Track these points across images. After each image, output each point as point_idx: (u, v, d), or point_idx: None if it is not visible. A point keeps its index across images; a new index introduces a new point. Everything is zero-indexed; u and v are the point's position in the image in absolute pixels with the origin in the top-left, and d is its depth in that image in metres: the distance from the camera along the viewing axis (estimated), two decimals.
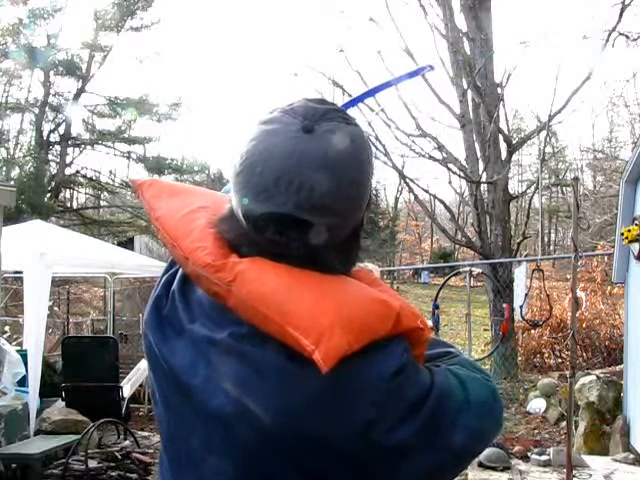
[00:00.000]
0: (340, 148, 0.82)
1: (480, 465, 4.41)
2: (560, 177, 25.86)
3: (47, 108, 22.18)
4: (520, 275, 7.13)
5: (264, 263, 0.82)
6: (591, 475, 4.22)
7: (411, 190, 11.71)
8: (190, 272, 0.88)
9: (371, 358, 0.81)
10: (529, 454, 4.63)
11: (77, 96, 22.44)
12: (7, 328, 9.15)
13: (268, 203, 0.80)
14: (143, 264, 8.69)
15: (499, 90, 10.25)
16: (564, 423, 6.14)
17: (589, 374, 6.34)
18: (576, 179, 3.76)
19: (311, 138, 0.81)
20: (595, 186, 25.87)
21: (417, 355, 0.87)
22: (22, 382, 5.50)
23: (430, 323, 12.88)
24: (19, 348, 6.39)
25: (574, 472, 3.76)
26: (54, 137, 23.02)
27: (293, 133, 0.81)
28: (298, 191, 0.79)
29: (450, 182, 10.70)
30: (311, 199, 0.79)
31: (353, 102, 1.30)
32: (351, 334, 0.77)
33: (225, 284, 0.82)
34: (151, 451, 6.03)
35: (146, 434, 6.85)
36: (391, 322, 0.81)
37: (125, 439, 5.71)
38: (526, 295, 6.86)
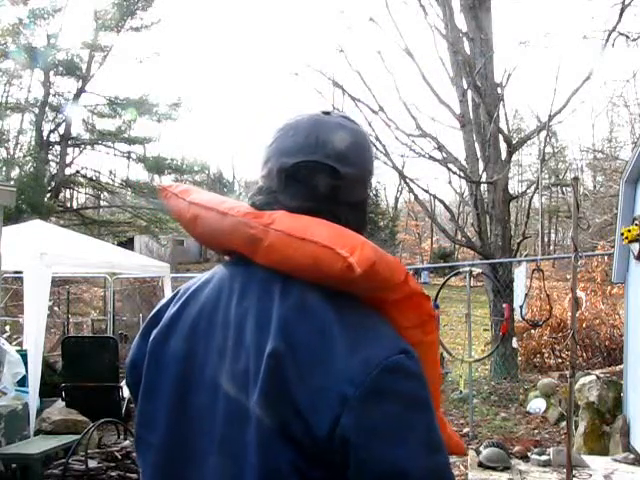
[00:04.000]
0: (351, 125, 1.05)
1: (480, 465, 4.41)
2: (560, 177, 25.87)
3: (47, 108, 22.20)
4: (520, 275, 7.13)
5: (292, 214, 0.96)
6: (591, 475, 4.22)
7: (411, 190, 11.71)
8: (226, 226, 0.98)
9: None
10: (529, 454, 4.62)
11: (77, 96, 22.45)
12: (7, 328, 9.15)
13: (300, 154, 0.97)
14: (143, 264, 8.69)
15: (499, 90, 10.25)
16: (564, 423, 6.13)
17: (589, 374, 6.34)
18: (576, 179, 3.76)
19: (329, 116, 1.03)
20: (595, 186, 25.88)
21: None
22: (22, 382, 5.50)
23: None
24: (19, 348, 6.40)
25: (574, 472, 3.76)
26: (54, 137, 23.04)
27: (315, 114, 1.03)
28: (324, 144, 0.98)
29: (450, 182, 10.70)
30: (335, 149, 0.98)
31: None
32: (377, 254, 0.91)
33: (264, 225, 0.93)
34: None
35: None
36: (402, 278, 0.94)
37: (125, 439, 5.71)
38: (526, 295, 6.86)
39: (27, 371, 5.43)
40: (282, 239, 0.92)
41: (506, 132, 10.59)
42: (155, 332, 1.03)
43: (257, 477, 0.86)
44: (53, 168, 23.16)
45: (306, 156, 0.97)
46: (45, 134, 22.46)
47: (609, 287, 10.26)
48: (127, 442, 5.48)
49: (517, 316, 7.46)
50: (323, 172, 0.97)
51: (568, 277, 10.22)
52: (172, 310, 1.03)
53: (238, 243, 0.97)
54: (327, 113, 1.03)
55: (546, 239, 34.82)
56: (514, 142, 11.03)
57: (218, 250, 1.07)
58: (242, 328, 0.92)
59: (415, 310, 0.96)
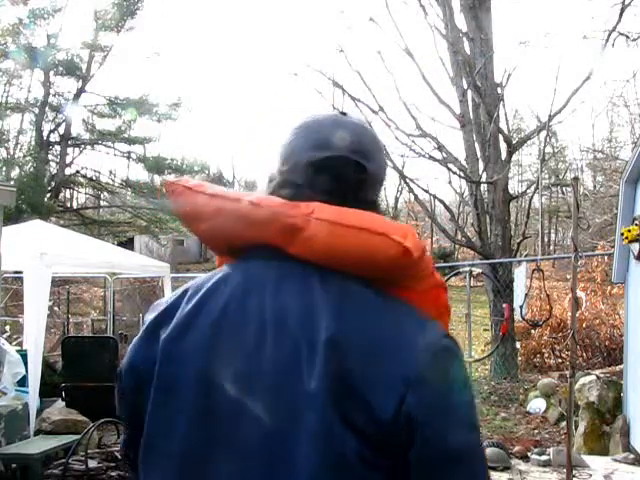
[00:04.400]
0: (368, 127, 1.09)
1: None
2: (560, 177, 25.87)
3: (47, 108, 22.18)
4: (520, 275, 7.13)
5: (329, 204, 0.96)
6: (591, 475, 4.22)
7: (411, 190, 11.71)
8: (260, 217, 0.95)
9: None
10: (529, 454, 4.63)
11: (77, 96, 22.44)
12: (7, 328, 9.15)
13: (328, 150, 0.98)
14: (143, 264, 8.69)
15: (499, 90, 10.25)
16: (564, 423, 6.13)
17: (589, 374, 6.34)
18: (576, 179, 3.76)
19: (348, 117, 1.06)
20: (595, 186, 25.88)
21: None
22: (22, 382, 5.50)
23: None
24: (19, 348, 6.40)
25: (574, 472, 3.76)
26: (54, 137, 23.02)
27: (334, 114, 1.07)
28: (351, 141, 1.00)
29: (450, 182, 10.71)
30: (360, 146, 1.01)
31: None
32: (423, 242, 0.95)
33: (305, 215, 0.92)
34: None
35: None
36: (432, 268, 0.99)
37: None
38: (526, 295, 6.85)
39: (27, 371, 5.43)
40: (328, 228, 0.91)
41: (506, 132, 10.60)
42: (169, 330, 0.95)
43: (318, 470, 0.84)
44: (53, 168, 23.15)
45: (334, 152, 0.98)
46: (45, 134, 22.45)
47: (609, 287, 10.26)
48: None
49: (517, 316, 7.46)
50: (351, 167, 0.99)
51: (568, 277, 10.22)
52: (187, 308, 0.96)
53: (272, 234, 0.94)
54: (344, 114, 1.06)
55: (546, 239, 34.81)
56: (514, 142, 11.03)
57: (233, 245, 1.01)
58: (283, 321, 0.90)
59: (435, 301, 0.98)
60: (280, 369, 0.88)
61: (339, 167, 0.98)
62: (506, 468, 4.34)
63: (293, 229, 0.92)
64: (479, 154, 10.56)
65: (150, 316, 1.01)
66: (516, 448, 4.82)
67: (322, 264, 0.92)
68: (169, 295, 1.05)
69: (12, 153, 22.36)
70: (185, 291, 1.01)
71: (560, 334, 9.97)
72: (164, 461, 0.93)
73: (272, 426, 0.87)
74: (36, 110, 22.16)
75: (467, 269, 7.76)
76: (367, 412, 0.84)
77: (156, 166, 22.90)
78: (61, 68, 21.53)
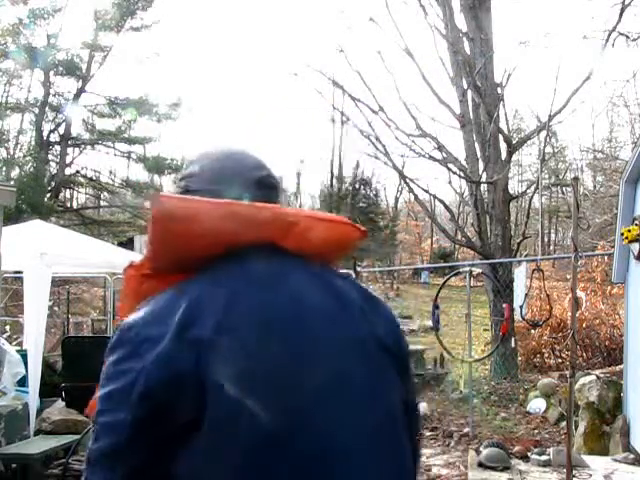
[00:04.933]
0: None
1: (480, 465, 4.41)
2: (560, 177, 25.86)
3: (47, 108, 22.17)
4: (520, 275, 7.13)
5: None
6: (591, 475, 4.22)
7: (411, 190, 11.71)
8: (265, 217, 1.06)
9: None
10: (529, 454, 4.63)
11: (77, 96, 22.44)
12: (7, 328, 9.15)
13: (261, 170, 1.21)
14: None
15: (499, 90, 10.25)
16: (564, 423, 6.13)
17: (589, 374, 6.34)
18: (576, 179, 3.76)
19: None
20: (595, 186, 25.88)
21: None
22: (22, 382, 5.50)
23: (430, 323, 12.82)
24: (19, 348, 6.40)
25: (574, 472, 3.76)
26: (54, 137, 23.02)
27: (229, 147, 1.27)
28: (264, 162, 1.24)
29: (450, 182, 10.71)
30: (268, 166, 1.23)
31: None
32: None
33: (295, 213, 1.11)
34: None
35: None
36: None
37: None
38: (526, 295, 6.85)
39: (27, 371, 5.43)
40: (313, 222, 1.09)
41: (506, 132, 10.60)
42: (218, 328, 0.94)
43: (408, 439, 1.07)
44: (53, 168, 23.14)
45: (267, 171, 1.21)
46: (45, 134, 22.44)
47: (609, 287, 10.26)
48: None
49: (517, 316, 7.45)
50: (275, 179, 1.22)
51: (568, 277, 10.22)
52: (213, 314, 0.96)
53: (274, 232, 1.06)
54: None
55: (546, 239, 34.81)
56: (514, 142, 11.03)
57: (234, 243, 1.05)
58: (328, 314, 1.03)
59: None
60: (371, 356, 1.05)
61: (274, 181, 1.21)
62: (506, 468, 4.34)
63: (291, 225, 1.06)
64: (479, 154, 10.56)
65: (177, 320, 0.96)
66: (516, 448, 4.82)
67: (309, 255, 1.08)
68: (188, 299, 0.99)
69: (12, 153, 22.36)
70: (195, 300, 0.98)
71: (560, 334, 9.97)
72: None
73: (372, 405, 1.03)
74: (36, 110, 22.16)
75: (467, 269, 7.76)
76: (406, 390, 1.11)
77: (156, 166, 22.89)
78: (61, 68, 21.53)
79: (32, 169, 20.35)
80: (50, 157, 23.02)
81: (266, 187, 1.18)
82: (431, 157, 10.66)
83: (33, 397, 5.27)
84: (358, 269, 9.28)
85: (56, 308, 13.34)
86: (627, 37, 10.20)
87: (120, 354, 0.97)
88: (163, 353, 0.93)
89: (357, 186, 35.73)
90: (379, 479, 0.98)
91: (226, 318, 0.95)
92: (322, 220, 1.11)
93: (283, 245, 1.06)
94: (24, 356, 5.51)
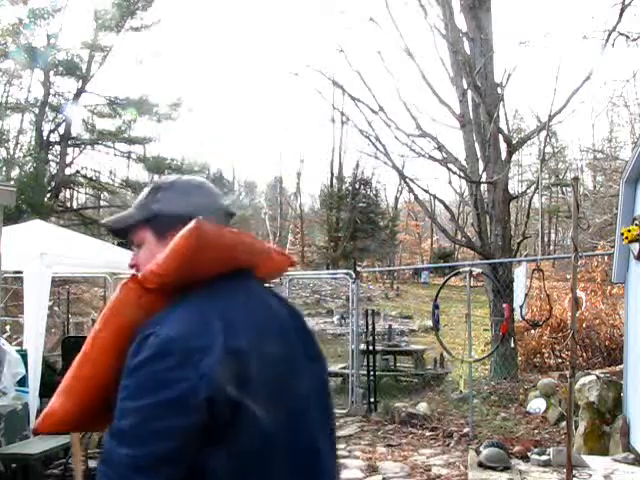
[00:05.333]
0: None
1: (480, 465, 4.41)
2: (560, 177, 25.88)
3: (47, 108, 22.16)
4: (520, 275, 7.13)
5: None
6: (591, 475, 4.22)
7: (411, 190, 11.71)
8: (259, 248, 1.32)
9: None
10: (529, 454, 4.63)
11: (77, 96, 22.42)
12: (7, 328, 9.15)
13: (228, 200, 1.40)
14: None
15: (499, 90, 10.24)
16: (564, 423, 6.13)
17: (589, 374, 6.33)
18: (576, 179, 3.76)
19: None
20: (595, 186, 25.88)
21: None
22: (22, 382, 5.49)
23: (430, 323, 12.81)
24: (19, 348, 6.38)
25: (574, 472, 3.76)
26: (54, 137, 23.00)
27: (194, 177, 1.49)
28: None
29: (450, 182, 10.70)
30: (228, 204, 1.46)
31: None
32: None
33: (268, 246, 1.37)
34: None
35: None
36: None
37: None
38: (526, 295, 6.85)
39: (27, 371, 5.43)
40: (275, 255, 1.36)
41: (506, 132, 10.59)
42: (250, 356, 1.11)
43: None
44: (53, 168, 23.12)
45: (225, 200, 1.37)
46: (45, 134, 22.42)
47: (609, 287, 10.26)
48: None
49: (517, 316, 7.45)
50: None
51: (568, 277, 10.22)
52: (244, 318, 1.18)
53: (258, 260, 1.31)
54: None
55: (546, 239, 34.82)
56: (514, 142, 11.03)
57: (236, 267, 1.25)
58: (290, 326, 1.29)
59: None
60: (320, 374, 1.34)
61: (232, 209, 1.38)
62: (506, 468, 4.34)
63: (269, 255, 1.33)
64: (479, 154, 10.56)
65: (219, 330, 1.12)
66: (516, 448, 4.82)
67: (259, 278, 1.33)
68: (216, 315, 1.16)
69: (12, 153, 22.34)
70: (221, 317, 1.15)
71: (560, 334, 9.97)
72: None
73: (327, 411, 1.34)
74: (36, 110, 22.14)
75: (467, 269, 7.76)
76: None
77: (156, 166, 22.88)
78: (61, 68, 21.51)
79: (32, 169, 20.34)
80: (50, 157, 23.00)
81: (230, 215, 1.37)
82: (431, 157, 10.66)
83: (33, 397, 5.26)
84: (358, 269, 9.28)
85: (56, 308, 13.34)
86: (627, 37, 10.19)
87: (169, 363, 1.06)
88: (215, 362, 1.07)
89: (357, 186, 35.73)
90: (333, 473, 1.28)
91: (251, 333, 1.15)
92: (277, 253, 1.36)
93: (257, 270, 1.30)
94: (24, 356, 5.51)
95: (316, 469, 1.20)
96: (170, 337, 1.08)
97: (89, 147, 23.89)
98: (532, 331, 10.22)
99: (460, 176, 10.79)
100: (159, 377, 1.06)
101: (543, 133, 10.99)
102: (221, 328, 1.10)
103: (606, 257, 9.92)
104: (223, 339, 1.09)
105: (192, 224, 1.17)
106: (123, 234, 1.37)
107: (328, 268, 31.36)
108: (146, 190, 1.36)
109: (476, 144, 10.58)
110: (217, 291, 1.19)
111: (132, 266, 1.32)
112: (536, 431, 6.93)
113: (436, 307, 7.53)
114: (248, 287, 1.26)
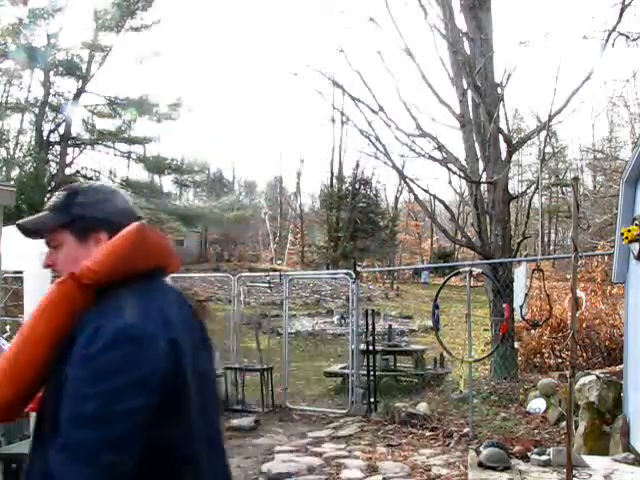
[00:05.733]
0: None
1: (480, 465, 4.41)
2: (560, 177, 25.89)
3: (47, 108, 22.18)
4: (520, 275, 7.13)
5: None
6: (591, 475, 4.22)
7: (411, 190, 11.71)
8: (172, 250, 1.49)
9: None
10: (529, 454, 4.62)
11: (77, 96, 22.44)
12: (7, 328, 9.14)
13: (135, 207, 1.54)
14: None
15: (499, 90, 10.24)
16: (564, 423, 6.13)
17: (589, 374, 6.33)
18: (576, 179, 3.76)
19: None
20: (595, 186, 25.89)
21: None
22: None
23: (430, 323, 12.80)
24: None
25: (574, 472, 3.76)
26: (54, 137, 23.02)
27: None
28: None
29: (450, 182, 10.70)
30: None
31: None
32: None
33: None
34: None
35: None
36: None
37: None
38: (526, 295, 6.84)
39: None
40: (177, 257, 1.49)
41: (506, 132, 10.59)
42: (182, 342, 1.29)
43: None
44: (53, 168, 23.14)
45: (133, 206, 1.50)
46: (45, 134, 22.44)
47: (609, 287, 10.25)
48: None
49: (517, 316, 7.45)
50: None
51: (568, 277, 10.21)
52: (172, 315, 1.34)
53: (171, 260, 1.45)
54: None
55: (546, 239, 34.83)
56: (514, 142, 11.02)
57: (156, 266, 1.41)
58: (194, 326, 1.42)
59: None
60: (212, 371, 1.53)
61: (140, 214, 1.47)
62: (506, 468, 4.34)
63: (176, 258, 1.47)
64: (479, 154, 10.55)
65: (157, 325, 1.27)
66: (516, 448, 4.82)
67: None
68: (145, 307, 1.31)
69: (12, 153, 22.36)
70: (159, 309, 1.31)
71: (560, 334, 9.97)
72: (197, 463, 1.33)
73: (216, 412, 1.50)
74: (36, 110, 22.16)
75: (467, 269, 7.75)
76: None
77: (156, 166, 22.92)
78: (61, 68, 21.54)
79: (32, 169, 20.36)
80: (50, 157, 23.02)
81: (138, 219, 1.45)
82: (431, 157, 10.66)
83: None
84: (358, 269, 9.28)
85: None
86: (627, 37, 10.19)
87: (128, 349, 1.19)
88: (165, 348, 1.23)
89: (357, 186, 35.73)
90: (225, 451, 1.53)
91: (179, 325, 1.30)
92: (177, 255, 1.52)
93: (166, 269, 1.45)
94: None
95: (219, 447, 1.44)
96: (128, 324, 1.20)
97: (89, 147, 23.92)
98: (532, 331, 10.22)
99: (460, 176, 10.78)
100: (119, 362, 1.17)
101: (543, 133, 10.99)
102: (162, 320, 1.26)
103: (606, 257, 9.91)
104: (166, 330, 1.25)
105: (134, 226, 1.34)
106: (37, 235, 1.45)
107: (328, 268, 31.36)
108: (61, 194, 1.45)
109: (476, 144, 10.58)
110: (148, 287, 1.34)
111: (48, 266, 1.43)
112: (536, 431, 6.93)
113: (436, 307, 7.52)
114: (164, 284, 1.43)
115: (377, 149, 10.71)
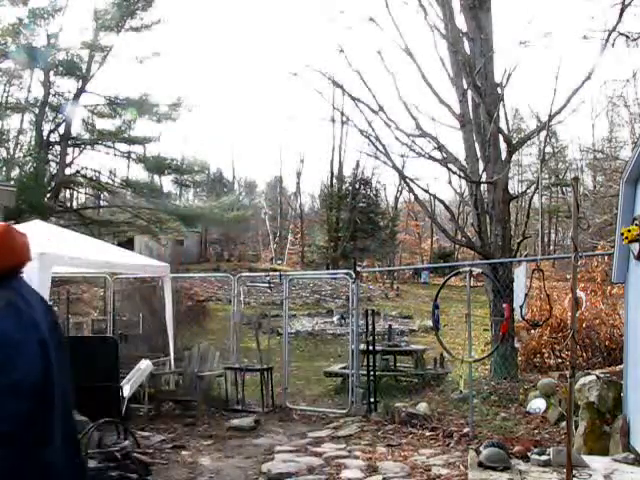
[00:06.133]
0: None
1: (480, 465, 4.41)
2: (560, 177, 25.88)
3: (47, 108, 22.18)
4: (520, 275, 7.14)
5: None
6: (591, 475, 4.22)
7: (411, 190, 11.70)
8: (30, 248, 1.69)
9: None
10: (529, 454, 4.62)
11: (77, 96, 22.43)
12: None
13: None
14: (143, 264, 8.68)
15: (499, 90, 10.23)
16: (564, 423, 6.13)
17: (589, 374, 6.32)
18: (576, 179, 3.76)
19: None
20: (595, 186, 25.87)
21: None
22: None
23: (430, 323, 12.79)
24: None
25: (574, 472, 3.76)
26: (54, 137, 23.02)
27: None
28: None
29: (450, 182, 10.68)
30: None
31: None
32: None
33: None
34: (151, 451, 6.03)
35: (146, 434, 6.85)
36: None
37: (125, 439, 5.70)
38: (526, 295, 6.85)
39: None
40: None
41: (506, 132, 10.58)
42: (46, 338, 1.43)
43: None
44: (53, 168, 23.14)
45: None
46: (45, 134, 22.44)
47: (609, 287, 10.25)
48: (127, 442, 5.47)
49: (517, 316, 7.45)
50: None
51: (568, 277, 10.22)
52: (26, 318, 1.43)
53: (28, 258, 1.52)
54: None
55: (546, 239, 34.82)
56: (514, 142, 11.02)
57: (20, 264, 1.52)
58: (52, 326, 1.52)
59: None
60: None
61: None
62: (506, 468, 4.34)
63: (29, 255, 1.51)
64: (479, 154, 10.55)
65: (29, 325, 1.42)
66: (516, 448, 4.82)
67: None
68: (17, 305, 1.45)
69: (12, 153, 22.36)
70: (14, 307, 1.42)
71: (560, 334, 9.96)
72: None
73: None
74: (36, 110, 22.16)
75: (467, 269, 7.75)
76: None
77: (156, 166, 22.92)
78: (61, 68, 21.54)
79: (32, 169, 20.37)
80: (50, 157, 23.02)
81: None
82: (431, 157, 10.65)
83: None
84: (358, 269, 9.28)
85: (56, 308, 13.31)
86: (627, 37, 10.17)
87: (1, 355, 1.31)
88: (37, 349, 1.35)
89: (357, 186, 35.74)
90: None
91: (45, 325, 1.39)
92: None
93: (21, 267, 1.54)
94: None
95: (75, 436, 1.63)
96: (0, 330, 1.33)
97: (89, 147, 23.91)
98: (532, 331, 10.21)
99: (460, 176, 10.78)
100: None
101: (543, 133, 10.98)
102: (30, 323, 1.36)
103: (606, 257, 9.91)
104: (35, 332, 1.36)
105: (1, 227, 1.44)
106: None
107: (328, 268, 31.37)
108: None
109: (476, 144, 10.57)
110: (12, 287, 1.43)
111: None
112: (536, 431, 6.92)
113: (436, 307, 7.52)
114: (27, 284, 1.53)
115: (377, 149, 10.71)
